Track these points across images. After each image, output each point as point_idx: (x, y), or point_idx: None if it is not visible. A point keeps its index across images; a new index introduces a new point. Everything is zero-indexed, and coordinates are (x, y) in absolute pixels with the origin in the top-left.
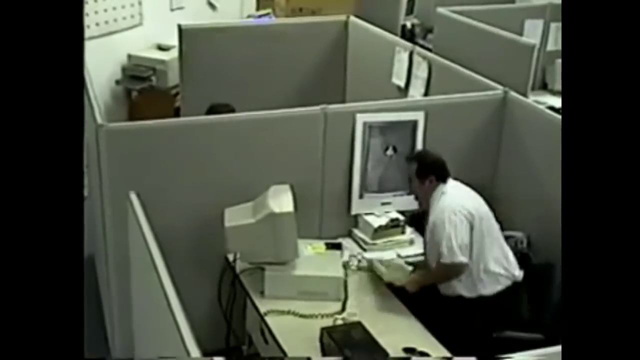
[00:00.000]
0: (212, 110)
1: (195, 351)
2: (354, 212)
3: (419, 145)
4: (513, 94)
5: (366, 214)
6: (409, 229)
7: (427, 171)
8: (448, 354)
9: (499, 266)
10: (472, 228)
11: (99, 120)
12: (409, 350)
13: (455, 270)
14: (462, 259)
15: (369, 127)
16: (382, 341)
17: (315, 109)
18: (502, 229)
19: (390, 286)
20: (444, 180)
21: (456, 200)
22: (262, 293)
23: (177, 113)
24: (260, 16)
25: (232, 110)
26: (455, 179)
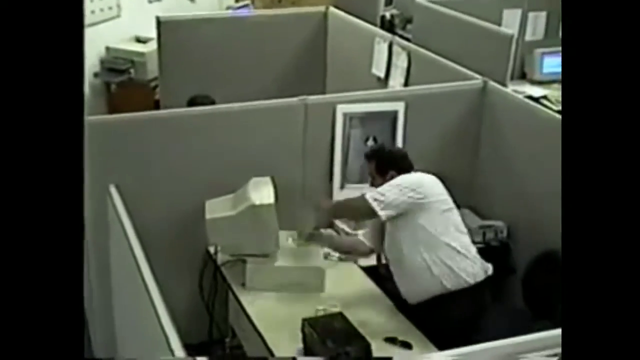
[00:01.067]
0: (193, 102)
1: (177, 344)
2: None
3: (400, 136)
4: (492, 83)
5: None
6: None
7: (387, 166)
8: (430, 344)
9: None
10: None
11: None
12: (391, 340)
13: (365, 208)
14: (377, 208)
15: (349, 118)
16: (364, 331)
17: (295, 100)
18: (483, 218)
19: (371, 276)
20: (406, 172)
21: (413, 176)
22: (243, 285)
23: (156, 106)
24: (239, 7)
25: (213, 102)
26: (428, 172)
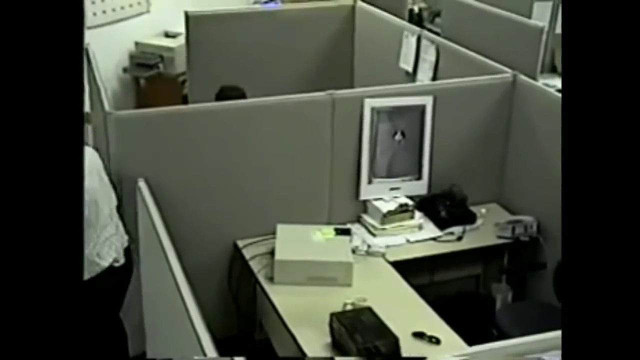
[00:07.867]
0: (222, 93)
1: (206, 338)
2: (362, 197)
3: (428, 131)
4: (522, 77)
5: (375, 199)
6: (418, 214)
7: None
8: (459, 339)
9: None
10: None
11: (107, 108)
12: (419, 335)
13: None
14: None
15: (377, 112)
16: (392, 326)
17: (323, 94)
18: (512, 213)
19: (399, 270)
20: None
21: None
22: (271, 279)
23: (184, 100)
24: (266, 1)
25: (243, 94)
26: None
